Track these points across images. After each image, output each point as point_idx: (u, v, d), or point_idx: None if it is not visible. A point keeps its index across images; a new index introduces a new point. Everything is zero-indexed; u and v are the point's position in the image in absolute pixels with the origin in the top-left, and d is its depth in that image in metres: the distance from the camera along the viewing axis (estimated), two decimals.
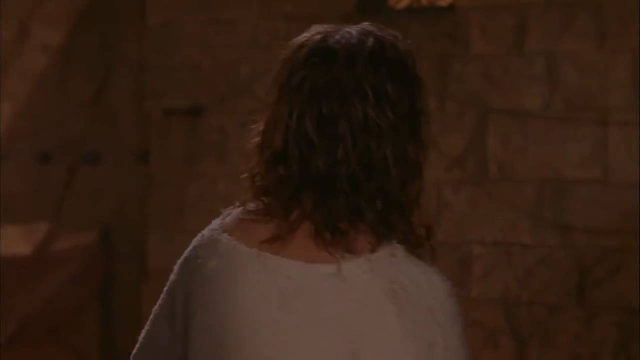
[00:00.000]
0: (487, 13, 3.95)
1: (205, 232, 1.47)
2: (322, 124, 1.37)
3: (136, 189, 4.64)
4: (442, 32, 4.03)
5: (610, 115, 3.79)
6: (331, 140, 1.37)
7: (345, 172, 1.37)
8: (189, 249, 1.47)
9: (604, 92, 3.81)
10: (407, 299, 1.35)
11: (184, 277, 1.45)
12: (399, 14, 4.12)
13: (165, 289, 1.48)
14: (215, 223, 1.47)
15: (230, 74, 4.44)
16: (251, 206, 1.44)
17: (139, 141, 4.64)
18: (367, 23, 1.45)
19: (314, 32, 1.44)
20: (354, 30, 1.42)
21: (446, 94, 3.98)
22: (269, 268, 1.39)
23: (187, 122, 4.52)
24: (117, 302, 4.66)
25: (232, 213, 1.47)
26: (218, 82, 4.47)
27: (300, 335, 1.36)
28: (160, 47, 4.59)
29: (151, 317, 1.50)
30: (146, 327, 1.50)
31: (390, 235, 1.38)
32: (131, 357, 1.52)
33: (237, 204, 1.47)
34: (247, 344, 1.37)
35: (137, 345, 1.51)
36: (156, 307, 1.50)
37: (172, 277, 1.48)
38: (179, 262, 1.48)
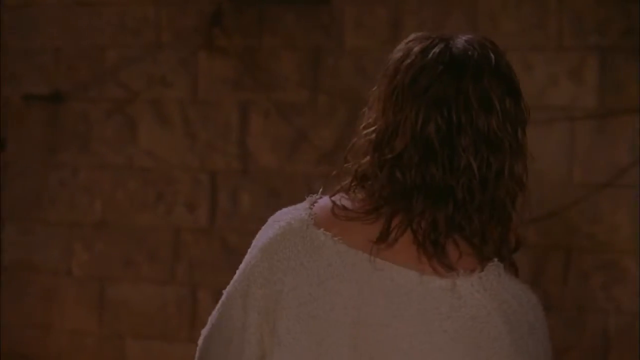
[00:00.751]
0: (362, 7, 3.91)
1: (291, 220, 1.43)
2: (445, 132, 1.40)
3: None
4: (317, 24, 3.97)
5: None
6: (453, 149, 1.40)
7: (464, 182, 1.39)
8: (272, 233, 1.44)
9: None
10: (514, 317, 1.40)
11: (264, 264, 1.44)
12: (272, 4, 4.04)
13: (240, 272, 1.47)
14: (302, 211, 1.44)
15: (95, 60, 4.27)
16: (344, 200, 1.43)
17: None
18: (472, 34, 1.47)
19: (430, 39, 1.46)
20: (472, 40, 1.46)
21: (319, 87, 3.92)
22: (379, 271, 1.40)
23: (47, 108, 4.33)
24: None
25: (319, 204, 1.45)
26: (81, 67, 4.30)
27: (413, 343, 1.38)
28: (19, 28, 4.37)
29: (223, 298, 1.49)
30: (218, 308, 1.49)
31: (483, 247, 1.41)
32: (202, 337, 1.49)
33: (321, 192, 1.47)
34: (353, 342, 1.38)
35: (208, 327, 1.50)
36: (229, 289, 1.48)
37: (250, 260, 1.45)
38: (258, 246, 1.45)
